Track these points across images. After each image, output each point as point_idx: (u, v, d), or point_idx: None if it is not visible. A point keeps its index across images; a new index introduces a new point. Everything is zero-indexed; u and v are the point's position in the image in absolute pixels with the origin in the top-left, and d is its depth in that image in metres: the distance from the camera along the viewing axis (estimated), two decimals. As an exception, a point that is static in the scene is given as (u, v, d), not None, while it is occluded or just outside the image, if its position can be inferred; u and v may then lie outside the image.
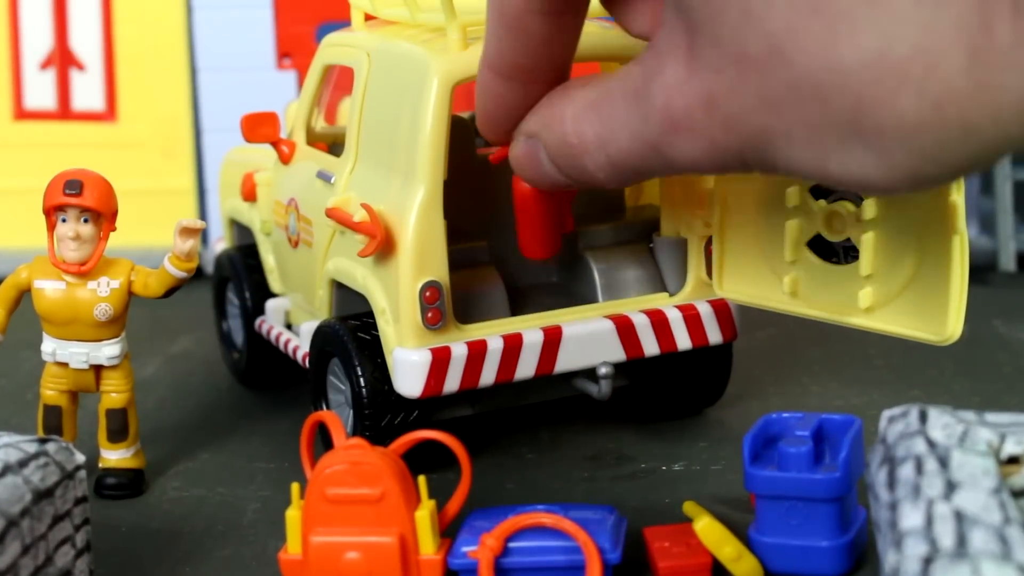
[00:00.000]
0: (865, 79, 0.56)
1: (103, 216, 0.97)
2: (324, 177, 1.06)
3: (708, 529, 0.83)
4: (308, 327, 1.07)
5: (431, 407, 1.00)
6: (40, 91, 1.57)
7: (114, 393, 1.00)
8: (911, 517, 0.65)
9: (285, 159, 1.13)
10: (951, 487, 0.66)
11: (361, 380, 0.98)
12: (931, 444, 0.71)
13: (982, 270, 1.45)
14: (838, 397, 1.12)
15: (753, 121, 0.61)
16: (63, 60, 1.57)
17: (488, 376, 0.97)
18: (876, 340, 1.10)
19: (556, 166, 0.76)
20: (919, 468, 0.69)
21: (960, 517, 0.63)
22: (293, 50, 1.52)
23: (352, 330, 0.99)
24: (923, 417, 0.73)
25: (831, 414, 0.87)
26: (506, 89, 0.77)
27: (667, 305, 1.02)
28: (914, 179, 0.59)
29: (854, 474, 0.83)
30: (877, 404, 1.05)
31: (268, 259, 1.17)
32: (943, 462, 0.69)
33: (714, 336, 1.02)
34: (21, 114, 1.58)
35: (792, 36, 0.58)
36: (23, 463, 0.76)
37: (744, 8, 0.59)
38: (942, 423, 0.72)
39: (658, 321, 1.01)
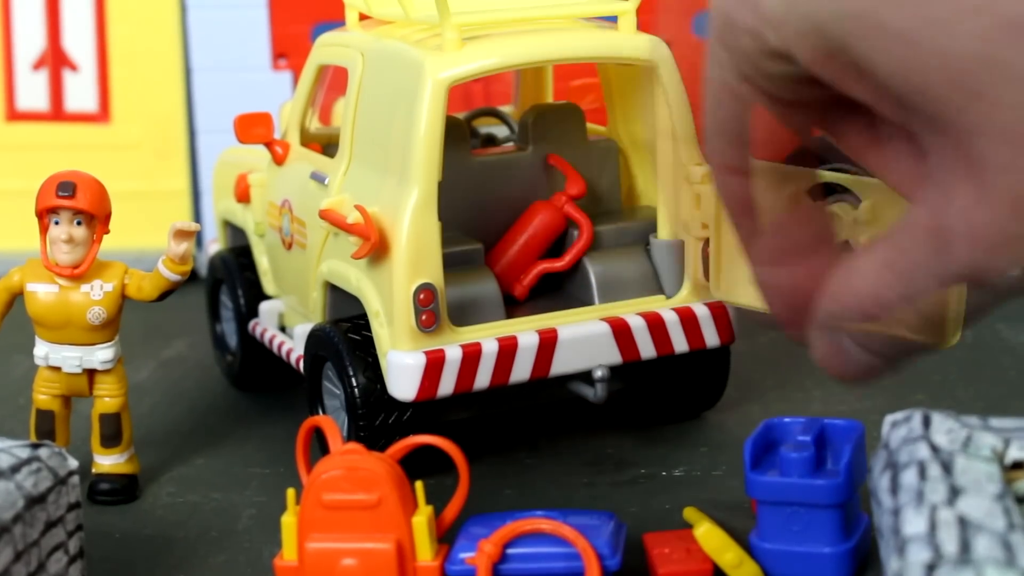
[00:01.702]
0: None
1: (96, 218, 0.97)
2: (318, 178, 1.06)
3: (709, 535, 0.82)
4: (302, 330, 1.07)
5: (426, 411, 1.00)
6: (32, 92, 1.57)
7: (107, 397, 1.00)
8: (914, 523, 0.65)
9: (279, 160, 1.13)
10: (955, 493, 0.66)
11: (355, 384, 0.98)
12: (934, 449, 0.70)
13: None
14: (840, 402, 1.12)
15: None
16: (56, 60, 1.57)
17: (483, 379, 0.97)
18: (878, 344, 1.10)
19: (868, 351, 0.73)
20: (922, 474, 0.68)
21: (964, 523, 0.63)
22: (289, 50, 1.52)
23: (345, 333, 0.99)
24: (926, 422, 0.73)
25: (833, 419, 0.87)
26: (773, 278, 0.74)
27: (664, 307, 1.01)
28: None
29: (856, 480, 0.83)
30: (880, 409, 1.04)
31: (262, 261, 1.16)
32: (947, 467, 0.69)
33: (711, 339, 1.02)
34: (13, 115, 1.57)
35: None
36: (15, 468, 0.76)
37: (1019, 85, 0.57)
38: (945, 428, 0.72)
39: (654, 324, 1.00)
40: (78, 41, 1.56)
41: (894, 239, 0.67)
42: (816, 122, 0.71)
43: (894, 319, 0.69)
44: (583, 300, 1.03)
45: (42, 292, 0.98)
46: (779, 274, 0.73)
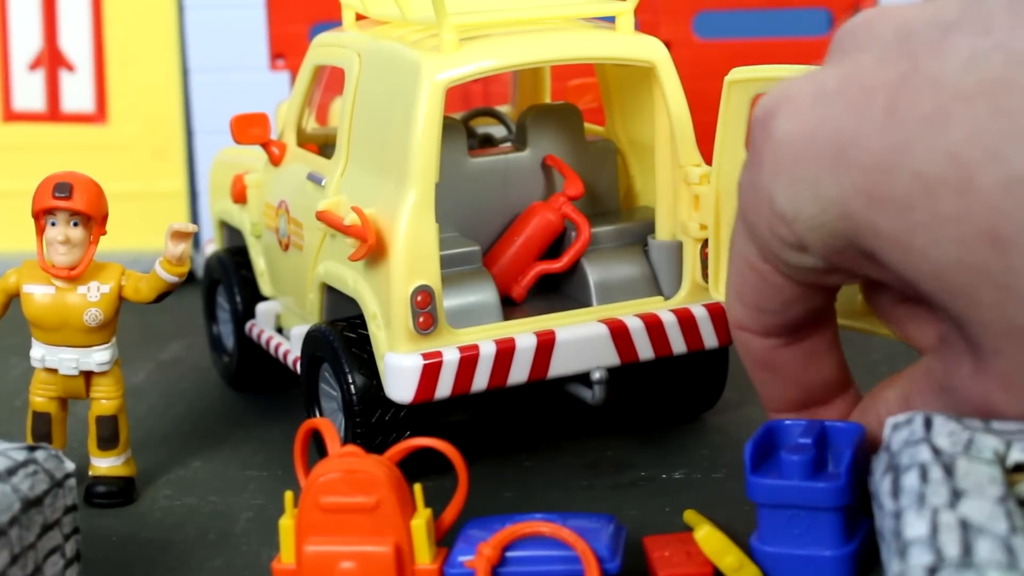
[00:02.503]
0: None
1: (93, 219, 0.96)
2: (315, 179, 1.05)
3: (709, 538, 0.82)
4: (299, 331, 1.07)
5: (424, 411, 0.99)
6: (29, 92, 1.56)
7: (104, 400, 0.99)
8: (916, 526, 0.64)
9: (275, 161, 1.12)
10: (956, 495, 0.66)
11: (352, 386, 0.97)
12: (936, 452, 0.70)
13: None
14: (840, 403, 1.11)
15: None
16: (52, 61, 1.56)
17: (481, 381, 0.96)
18: (880, 346, 1.10)
19: None
20: (924, 476, 0.68)
21: (966, 526, 0.63)
22: (287, 51, 1.51)
23: (341, 333, 0.99)
24: (928, 424, 0.73)
25: (834, 421, 0.86)
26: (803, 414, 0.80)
27: (662, 309, 1.01)
28: None
29: (858, 482, 0.83)
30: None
31: (258, 262, 1.16)
32: (948, 470, 0.68)
33: (710, 340, 1.02)
34: (9, 116, 1.57)
35: None
36: (11, 471, 0.75)
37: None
38: (947, 430, 0.72)
39: (653, 325, 1.00)
40: (75, 41, 1.56)
41: (916, 381, 0.75)
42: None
43: None
44: (581, 301, 1.03)
45: (38, 294, 0.97)
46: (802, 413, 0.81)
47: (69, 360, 0.98)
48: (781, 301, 0.74)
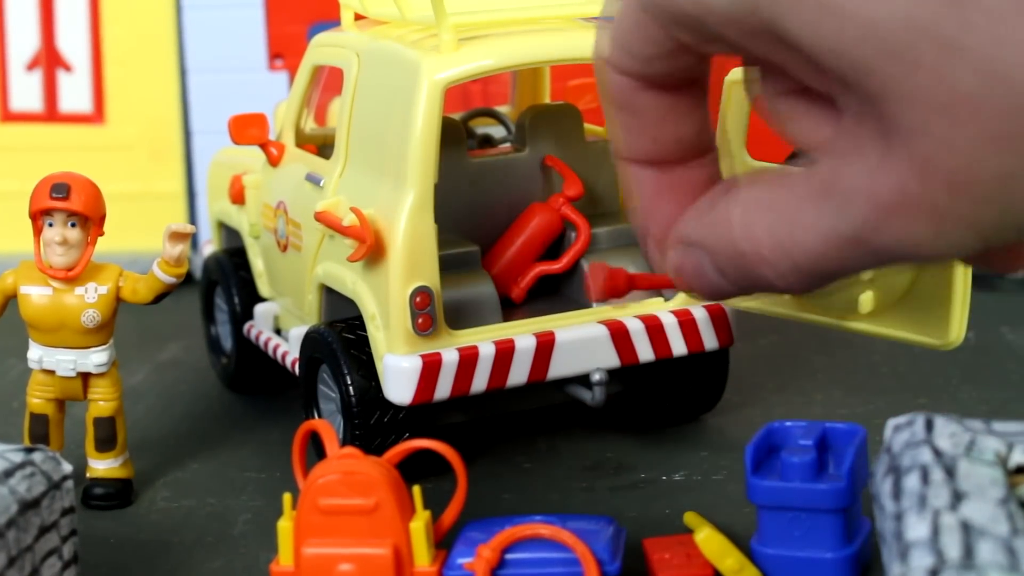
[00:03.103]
0: None
1: (91, 220, 0.96)
2: (313, 180, 1.05)
3: (709, 540, 0.82)
4: (297, 332, 1.06)
5: (423, 414, 0.99)
6: (26, 93, 1.56)
7: (102, 401, 0.99)
8: (917, 528, 0.64)
9: (274, 161, 1.12)
10: (958, 497, 0.66)
11: (350, 387, 0.97)
12: (937, 453, 0.70)
13: (989, 276, 1.44)
14: (842, 405, 1.12)
15: (989, 168, 0.56)
16: (50, 61, 1.56)
17: (480, 383, 0.96)
18: (881, 347, 1.10)
19: (725, 277, 0.68)
20: (925, 478, 0.68)
21: (967, 528, 0.63)
22: (285, 51, 1.51)
23: (340, 334, 0.98)
24: (929, 426, 0.73)
25: (835, 422, 0.86)
26: (647, 179, 0.71)
27: (662, 310, 1.01)
28: None
29: (858, 484, 0.83)
30: (882, 413, 1.04)
31: (257, 263, 1.16)
32: (950, 472, 0.68)
33: (710, 342, 1.02)
34: (7, 116, 1.57)
35: (1012, 53, 0.54)
36: (9, 473, 0.75)
37: (940, 47, 0.56)
38: (949, 432, 0.72)
39: (653, 326, 1.00)
40: (72, 41, 1.56)
41: (785, 181, 0.64)
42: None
43: (766, 268, 0.65)
44: (581, 303, 1.02)
45: (36, 295, 0.97)
46: (647, 174, 0.71)
47: (67, 361, 0.98)
48: (649, 53, 0.67)
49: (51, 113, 1.57)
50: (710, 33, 0.63)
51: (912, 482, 0.68)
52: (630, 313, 1.00)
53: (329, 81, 1.14)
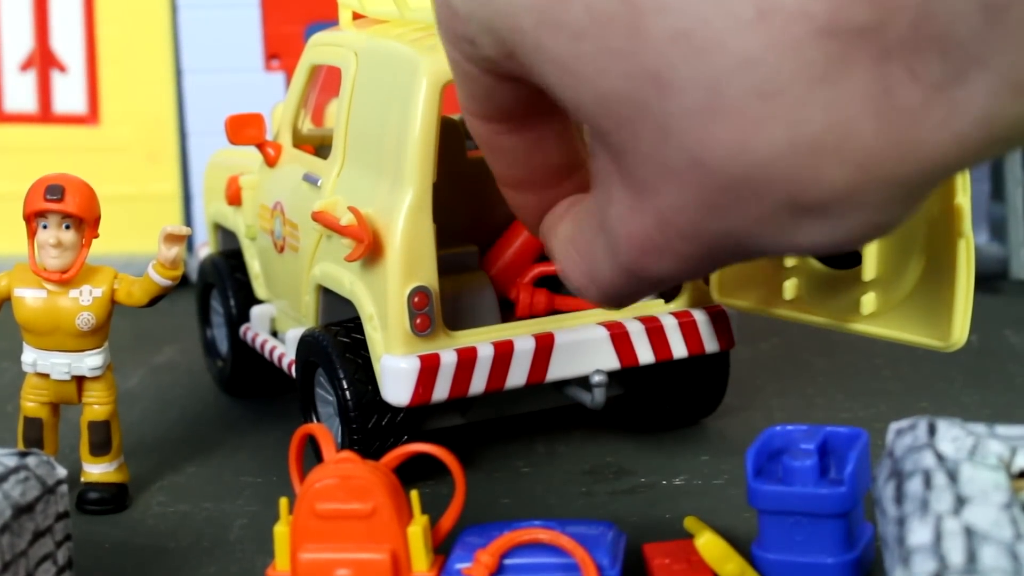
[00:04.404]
0: (787, 166, 0.59)
1: (85, 222, 0.96)
2: (311, 180, 1.05)
3: (710, 545, 0.82)
4: (294, 334, 1.06)
5: (420, 416, 0.99)
6: (20, 93, 1.57)
7: (97, 405, 0.99)
8: (919, 533, 0.64)
9: (271, 162, 1.12)
10: (960, 502, 0.65)
11: (346, 387, 0.97)
12: (940, 458, 0.70)
13: (993, 278, 1.44)
14: (844, 409, 1.11)
15: (709, 228, 0.64)
16: (44, 61, 1.56)
17: (478, 384, 0.96)
18: (883, 350, 1.10)
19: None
20: (928, 482, 0.68)
21: (970, 533, 0.63)
22: (281, 51, 1.51)
23: (335, 337, 0.98)
24: (932, 430, 0.72)
25: (836, 426, 0.86)
26: (521, 199, 0.78)
27: (662, 312, 1.01)
28: (876, 228, 0.62)
29: (860, 489, 0.82)
30: (884, 416, 1.04)
31: (253, 264, 1.16)
32: (952, 476, 0.68)
33: (710, 345, 1.01)
34: (0, 117, 1.57)
35: (704, 145, 0.60)
36: (3, 477, 0.75)
37: (655, 126, 0.62)
38: (951, 436, 0.71)
39: (653, 328, 1.00)
40: (67, 41, 1.56)
41: (580, 220, 0.73)
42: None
43: (585, 293, 0.73)
44: (580, 304, 1.02)
45: (30, 297, 0.97)
46: (526, 198, 0.77)
47: (61, 365, 0.97)
48: (481, 91, 0.73)
49: (45, 114, 1.57)
50: (487, 57, 0.69)
51: (914, 486, 0.68)
52: (630, 315, 1.00)
53: (327, 83, 1.14)
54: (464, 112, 0.75)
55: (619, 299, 0.73)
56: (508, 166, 0.76)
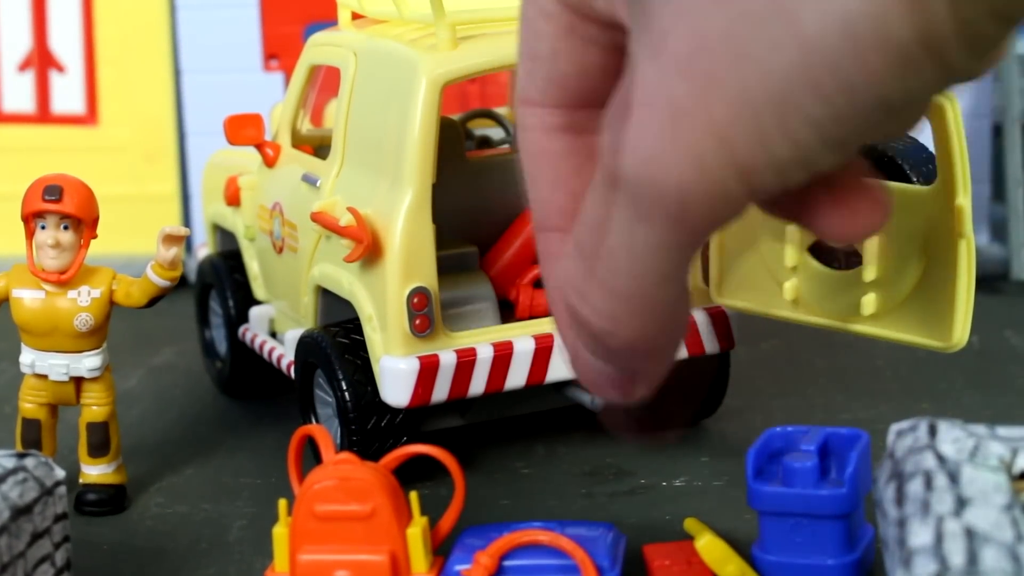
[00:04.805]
0: None
1: (83, 223, 0.95)
2: (310, 180, 1.05)
3: (710, 547, 0.81)
4: (293, 335, 1.06)
5: (420, 418, 0.99)
6: (18, 93, 1.56)
7: (95, 406, 0.99)
8: (920, 534, 0.64)
9: (270, 162, 1.12)
10: (961, 503, 0.65)
11: (345, 388, 0.97)
12: (941, 459, 0.69)
13: (994, 279, 1.43)
14: (844, 410, 1.11)
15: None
16: (42, 61, 1.56)
17: (478, 385, 0.96)
18: (884, 351, 1.09)
19: (597, 355, 0.63)
20: (928, 484, 0.68)
21: (971, 534, 0.62)
22: (280, 51, 1.51)
23: (334, 338, 0.98)
24: (932, 431, 0.72)
25: (837, 428, 0.86)
26: (560, 245, 0.64)
27: (663, 312, 1.00)
28: None
29: (861, 490, 0.82)
30: (885, 418, 1.04)
31: (252, 265, 1.16)
32: (953, 478, 0.68)
33: (710, 346, 1.01)
34: (-1, 117, 1.57)
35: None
36: (1, 479, 0.74)
37: None
38: (952, 437, 0.71)
39: (654, 329, 0.99)
40: (65, 41, 1.55)
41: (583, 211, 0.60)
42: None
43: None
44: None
45: (28, 298, 0.96)
46: (558, 242, 0.65)
47: (59, 366, 0.97)
48: (550, 43, 0.62)
49: (43, 114, 1.57)
50: None
51: (915, 488, 0.68)
52: (629, 316, 1.00)
53: (326, 83, 1.14)
54: (521, 103, 0.65)
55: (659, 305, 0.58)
56: (551, 186, 0.65)
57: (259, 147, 1.12)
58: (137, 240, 1.45)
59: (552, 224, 0.65)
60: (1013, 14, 0.50)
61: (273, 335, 1.14)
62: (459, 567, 0.80)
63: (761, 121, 0.52)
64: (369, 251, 0.94)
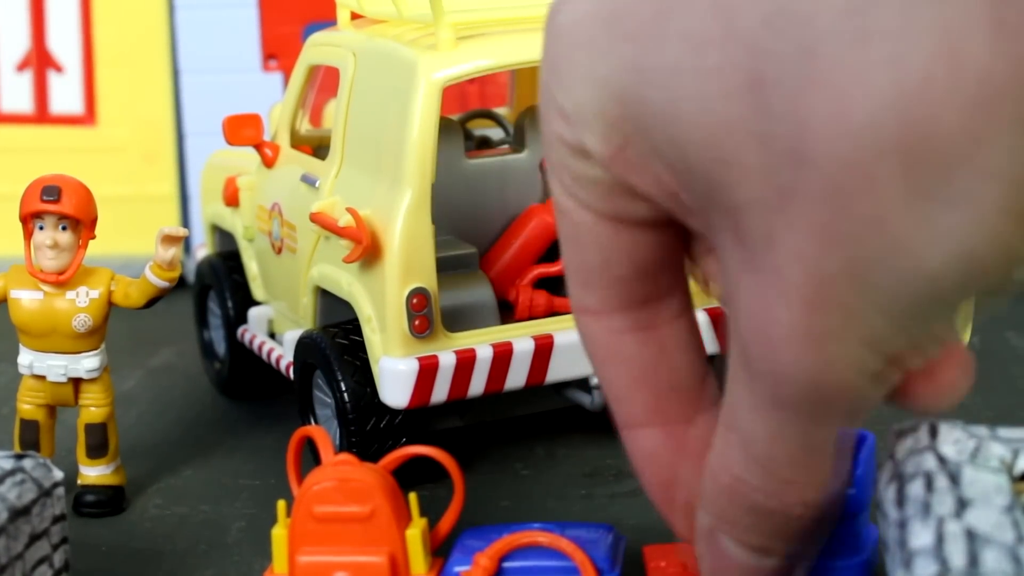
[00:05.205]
0: (895, 116, 0.51)
1: (82, 223, 0.95)
2: (308, 181, 1.05)
3: None
4: (292, 336, 1.06)
5: (419, 419, 0.98)
6: (16, 93, 1.56)
7: (93, 407, 0.98)
8: (921, 536, 0.63)
9: (268, 162, 1.12)
10: (962, 505, 0.65)
11: (344, 389, 0.97)
12: (942, 460, 0.69)
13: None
14: (843, 411, 1.10)
15: (829, 265, 0.54)
16: (40, 61, 1.56)
17: (477, 386, 0.95)
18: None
19: (749, 548, 0.64)
20: (929, 485, 0.67)
21: (972, 536, 0.62)
22: (279, 51, 1.51)
23: (333, 339, 0.98)
24: (933, 432, 0.72)
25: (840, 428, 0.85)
26: (649, 442, 0.67)
27: (663, 313, 1.00)
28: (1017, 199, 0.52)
29: (869, 491, 0.82)
30: (885, 419, 1.03)
31: (251, 266, 1.15)
32: (954, 479, 0.67)
33: (711, 346, 1.01)
34: (-3, 117, 1.57)
35: (802, 119, 0.52)
36: (-2, 480, 0.74)
37: (757, 136, 0.54)
38: (953, 438, 0.71)
39: (654, 330, 0.99)
40: (63, 41, 1.55)
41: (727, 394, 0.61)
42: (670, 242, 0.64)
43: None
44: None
45: (26, 299, 0.96)
46: (649, 438, 0.66)
47: (57, 367, 0.97)
48: (599, 252, 0.63)
49: (41, 114, 1.57)
50: (607, 174, 0.60)
51: (916, 489, 0.68)
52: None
53: (325, 83, 1.14)
54: (581, 313, 0.65)
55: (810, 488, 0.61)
56: (632, 386, 0.66)
57: (258, 147, 1.12)
58: (136, 241, 1.45)
59: (638, 421, 0.67)
60: None
61: (272, 336, 1.14)
62: (458, 568, 0.80)
63: (896, 329, 0.55)
64: (368, 252, 0.94)
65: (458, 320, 0.97)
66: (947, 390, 0.62)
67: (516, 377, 0.96)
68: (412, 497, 0.81)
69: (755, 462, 0.61)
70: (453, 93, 0.99)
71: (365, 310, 0.96)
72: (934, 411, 0.61)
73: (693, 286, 1.00)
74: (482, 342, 0.96)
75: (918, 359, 0.58)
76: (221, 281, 1.18)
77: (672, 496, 0.68)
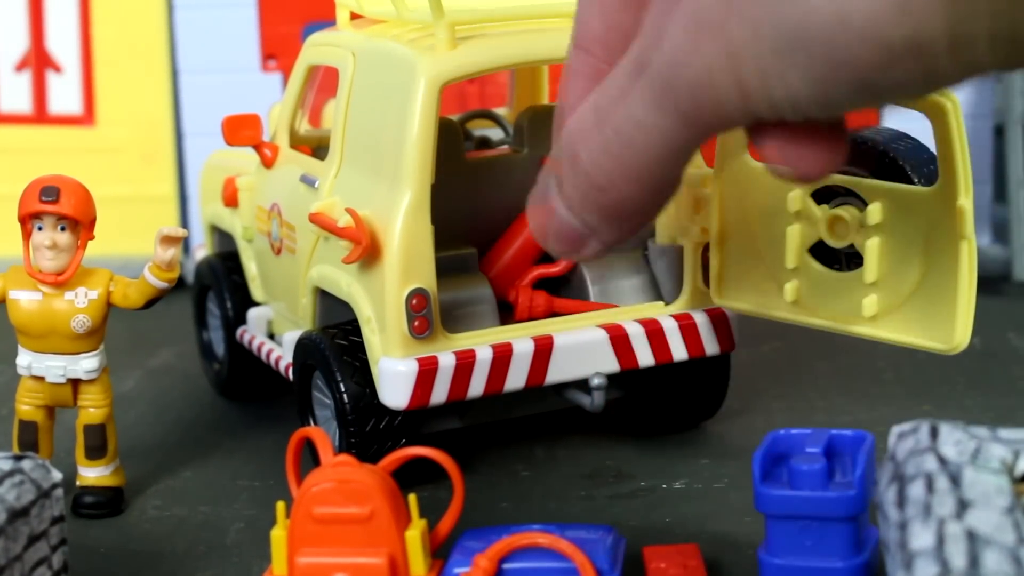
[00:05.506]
0: None
1: (81, 224, 0.95)
2: (308, 181, 1.05)
3: None
4: (291, 337, 1.06)
5: (418, 420, 0.98)
6: (15, 94, 1.56)
7: (92, 408, 0.98)
8: (922, 537, 0.63)
9: (268, 163, 1.12)
10: (963, 506, 0.65)
11: (343, 390, 0.96)
12: (942, 461, 0.69)
13: (995, 280, 1.43)
14: (845, 412, 1.11)
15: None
16: (39, 61, 1.56)
17: (477, 387, 0.95)
18: (885, 353, 1.09)
19: (572, 211, 0.66)
20: (930, 486, 0.67)
21: (973, 537, 0.62)
22: (278, 51, 1.51)
23: (332, 340, 0.98)
24: (934, 433, 0.72)
25: (841, 429, 0.85)
26: (581, 64, 0.69)
27: (662, 314, 1.00)
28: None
29: (869, 492, 0.81)
30: (886, 420, 1.04)
31: (250, 266, 1.15)
32: (955, 480, 0.67)
33: (711, 347, 1.01)
34: (-5, 118, 1.57)
35: None
36: (-3, 481, 0.74)
37: None
38: (954, 439, 0.71)
39: (653, 331, 0.99)
40: (62, 42, 1.55)
41: (603, 87, 0.64)
42: None
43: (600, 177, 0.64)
44: (580, 306, 1.02)
45: (25, 300, 0.96)
46: (583, 59, 0.70)
47: (56, 368, 0.97)
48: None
49: (40, 115, 1.57)
50: None
51: (917, 490, 0.67)
52: (630, 317, 1.00)
53: (324, 83, 1.14)
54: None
55: (658, 181, 0.63)
56: (596, 11, 0.68)
57: (257, 148, 1.11)
58: (135, 241, 1.45)
59: (585, 44, 0.70)
60: (1015, 35, 0.54)
61: (271, 337, 1.14)
62: (458, 570, 0.80)
63: (763, 57, 0.57)
64: (367, 252, 0.94)
65: (458, 321, 0.97)
66: (801, 160, 0.62)
67: (516, 378, 0.96)
68: (412, 498, 0.81)
69: (599, 132, 0.64)
70: (453, 93, 0.99)
71: (364, 311, 0.96)
72: (775, 174, 0.62)
73: (693, 286, 1.01)
74: (482, 343, 0.96)
75: (789, 111, 0.59)
76: (220, 282, 1.18)
77: (561, 123, 0.69)
